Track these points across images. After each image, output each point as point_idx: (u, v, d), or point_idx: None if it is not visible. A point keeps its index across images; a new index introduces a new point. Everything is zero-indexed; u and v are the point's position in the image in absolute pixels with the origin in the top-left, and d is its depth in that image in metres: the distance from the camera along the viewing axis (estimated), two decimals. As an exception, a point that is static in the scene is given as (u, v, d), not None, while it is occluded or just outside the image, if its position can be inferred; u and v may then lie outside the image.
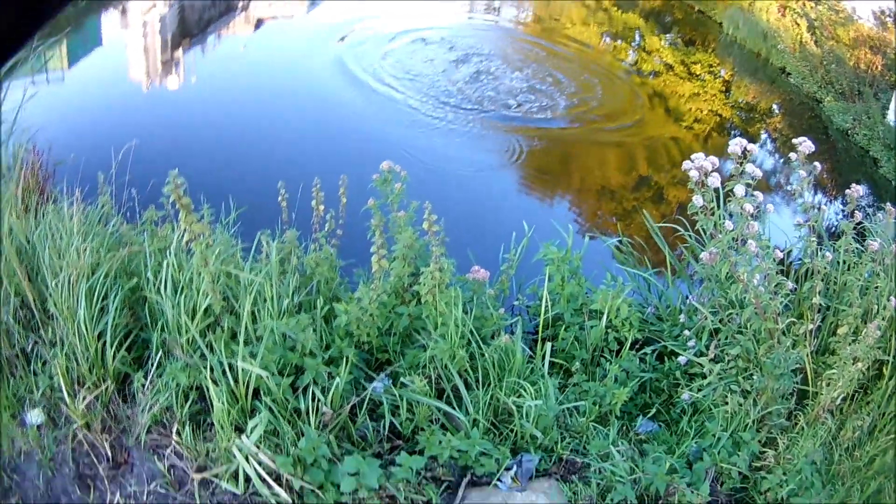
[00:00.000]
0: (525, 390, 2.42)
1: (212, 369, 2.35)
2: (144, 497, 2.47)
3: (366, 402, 2.44)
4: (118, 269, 2.78)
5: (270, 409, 2.30)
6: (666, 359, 2.92)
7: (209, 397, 2.36)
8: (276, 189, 2.85)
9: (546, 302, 2.77)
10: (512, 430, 2.48)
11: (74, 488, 2.59)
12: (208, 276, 2.40)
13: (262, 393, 2.37)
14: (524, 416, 2.41)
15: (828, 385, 2.63)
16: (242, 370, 2.31)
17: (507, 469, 2.47)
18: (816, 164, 2.88)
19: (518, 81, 7.79)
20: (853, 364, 2.61)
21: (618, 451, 2.51)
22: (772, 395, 2.70)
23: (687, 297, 3.01)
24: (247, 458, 2.26)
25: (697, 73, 9.71)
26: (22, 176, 3.68)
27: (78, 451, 2.61)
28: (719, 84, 9.53)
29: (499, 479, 2.47)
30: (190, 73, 7.86)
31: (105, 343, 2.57)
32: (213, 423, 2.38)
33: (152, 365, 2.52)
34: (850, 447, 2.71)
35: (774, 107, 9.69)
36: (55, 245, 2.84)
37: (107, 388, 2.59)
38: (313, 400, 2.32)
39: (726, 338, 2.81)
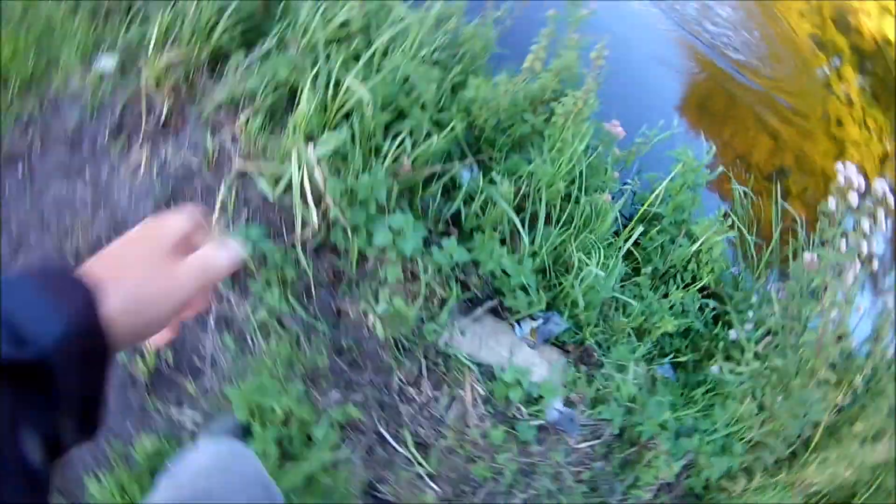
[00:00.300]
0: (595, 255, 2.30)
1: (317, 75, 2.24)
2: (173, 164, 2.38)
3: (445, 177, 2.31)
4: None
5: (354, 133, 2.21)
6: (720, 324, 2.75)
7: (299, 98, 2.23)
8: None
9: (658, 196, 2.64)
10: (560, 286, 2.35)
11: (103, 137, 2.52)
12: (359, -9, 2.31)
13: (353, 118, 2.24)
14: (580, 278, 2.28)
15: (818, 463, 2.47)
16: (347, 88, 2.23)
17: (533, 319, 2.36)
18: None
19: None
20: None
21: (634, 371, 2.38)
22: (777, 430, 2.55)
23: (769, 284, 2.84)
24: (299, 168, 2.15)
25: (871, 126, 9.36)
26: None
27: (131, 103, 2.53)
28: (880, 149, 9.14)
29: (519, 323, 2.36)
30: None
31: (221, 18, 2.43)
32: (287, 126, 2.25)
33: (260, 50, 2.40)
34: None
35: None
36: None
37: (199, 56, 2.47)
38: (399, 146, 2.21)
39: (777, 346, 2.65)
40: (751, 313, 2.77)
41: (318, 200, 2.16)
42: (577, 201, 2.36)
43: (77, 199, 2.51)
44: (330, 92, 2.22)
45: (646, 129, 2.74)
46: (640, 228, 2.54)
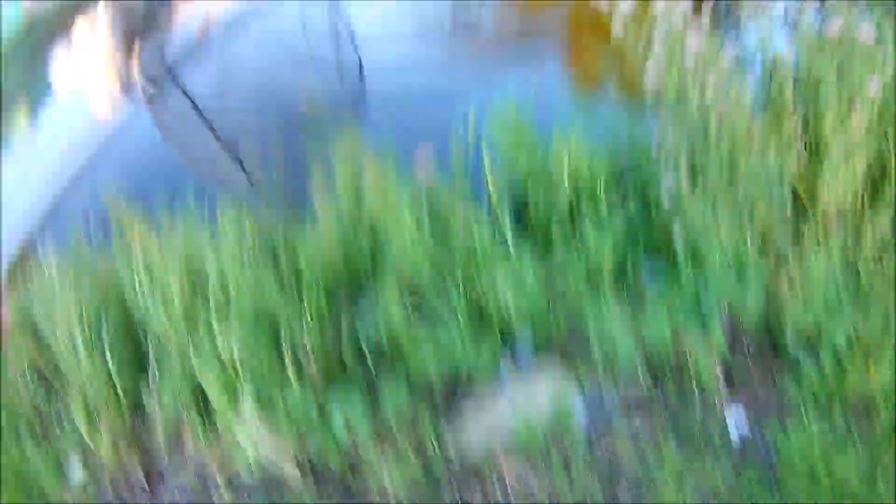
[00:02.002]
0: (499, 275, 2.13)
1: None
2: None
3: (344, 331, 2.35)
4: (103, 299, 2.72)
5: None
6: (652, 209, 2.61)
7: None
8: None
9: (499, 174, 2.43)
10: (495, 322, 2.20)
11: None
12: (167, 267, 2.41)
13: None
14: (503, 304, 2.12)
15: (826, 188, 2.38)
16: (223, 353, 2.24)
17: (502, 358, 2.21)
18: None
19: None
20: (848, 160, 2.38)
21: (615, 316, 2.25)
22: (766, 207, 2.44)
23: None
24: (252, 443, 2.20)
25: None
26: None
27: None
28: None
29: (497, 375, 2.21)
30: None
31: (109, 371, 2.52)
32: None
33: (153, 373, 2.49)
34: (876, 257, 2.39)
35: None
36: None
37: (122, 412, 2.57)
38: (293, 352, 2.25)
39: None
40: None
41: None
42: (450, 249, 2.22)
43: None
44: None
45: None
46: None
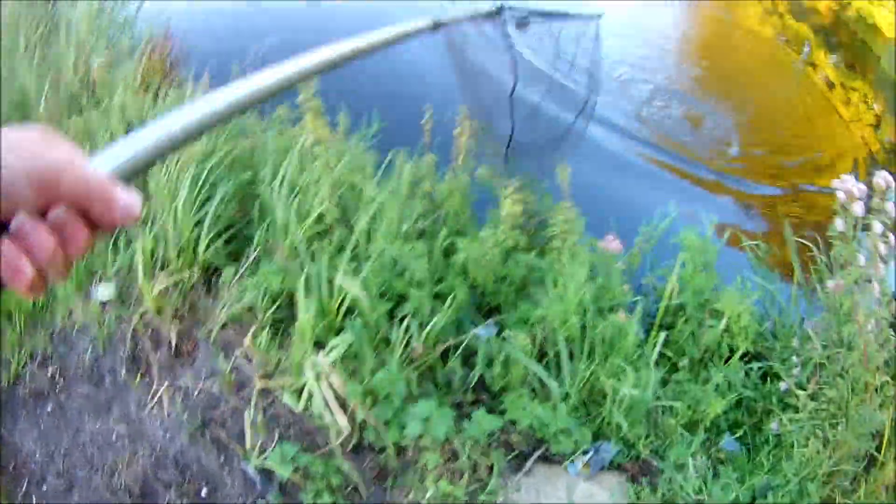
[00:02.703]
0: (626, 375, 2.26)
1: (308, 279, 2.22)
2: (195, 393, 2.41)
3: (461, 347, 2.29)
4: (234, 159, 2.64)
5: (359, 333, 2.17)
6: (769, 380, 2.70)
7: (297, 306, 2.23)
8: (422, 111, 2.68)
9: (673, 289, 2.58)
10: (600, 414, 2.32)
11: (122, 370, 2.56)
12: (328, 181, 2.28)
13: (354, 313, 2.24)
14: (617, 402, 2.25)
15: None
16: (341, 288, 2.20)
17: (584, 453, 2.34)
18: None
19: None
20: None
21: (694, 466, 2.35)
22: (847, 453, 2.50)
23: (803, 320, 2.77)
24: (318, 377, 2.15)
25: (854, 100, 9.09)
26: (147, 56, 3.61)
27: (139, 334, 2.56)
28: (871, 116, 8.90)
29: (570, 462, 2.34)
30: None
31: (201, 232, 2.46)
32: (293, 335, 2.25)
33: (247, 262, 2.43)
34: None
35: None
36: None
37: (190, 276, 2.51)
38: (407, 332, 2.19)
39: (829, 377, 2.59)
40: (794, 358, 2.71)
41: (343, 405, 2.15)
42: (595, 328, 2.31)
43: (114, 436, 2.54)
44: (325, 293, 2.19)
45: (645, 225, 2.66)
46: (663, 335, 2.48)
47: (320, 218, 2.27)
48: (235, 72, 3.06)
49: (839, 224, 2.52)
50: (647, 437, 2.40)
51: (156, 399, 2.43)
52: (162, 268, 2.49)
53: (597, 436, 2.34)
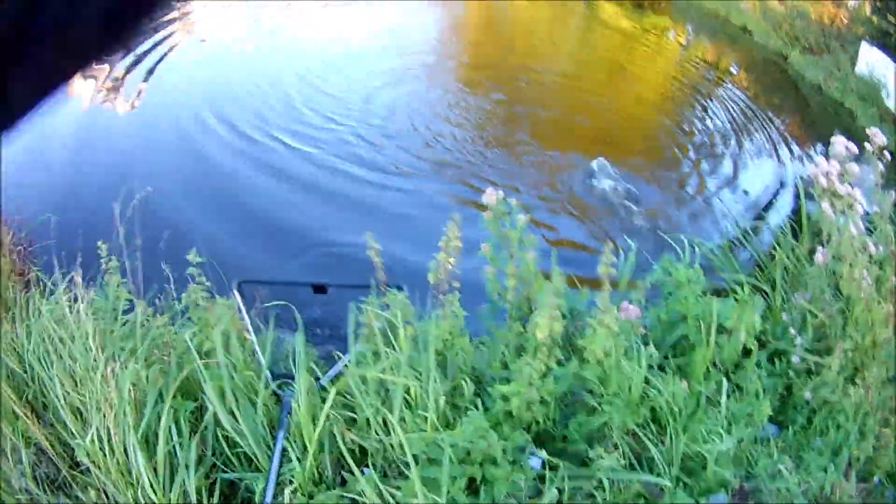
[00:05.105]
0: (710, 432, 2.37)
1: None
2: None
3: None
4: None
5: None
6: (776, 361, 2.97)
7: None
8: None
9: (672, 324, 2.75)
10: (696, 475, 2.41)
11: None
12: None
13: None
14: (715, 460, 2.30)
15: None
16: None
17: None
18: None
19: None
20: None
21: (785, 468, 2.52)
22: (882, 383, 2.84)
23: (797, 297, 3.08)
24: None
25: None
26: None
27: None
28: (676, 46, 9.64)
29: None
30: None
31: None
32: None
33: None
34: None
35: (740, 64, 9.83)
36: (64, 367, 2.14)
37: None
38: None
39: (834, 333, 2.92)
40: (792, 330, 3.00)
41: None
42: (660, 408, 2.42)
43: None
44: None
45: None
46: (725, 384, 2.58)
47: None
48: (103, 251, 2.48)
49: (827, 210, 2.77)
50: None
51: None
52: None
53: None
